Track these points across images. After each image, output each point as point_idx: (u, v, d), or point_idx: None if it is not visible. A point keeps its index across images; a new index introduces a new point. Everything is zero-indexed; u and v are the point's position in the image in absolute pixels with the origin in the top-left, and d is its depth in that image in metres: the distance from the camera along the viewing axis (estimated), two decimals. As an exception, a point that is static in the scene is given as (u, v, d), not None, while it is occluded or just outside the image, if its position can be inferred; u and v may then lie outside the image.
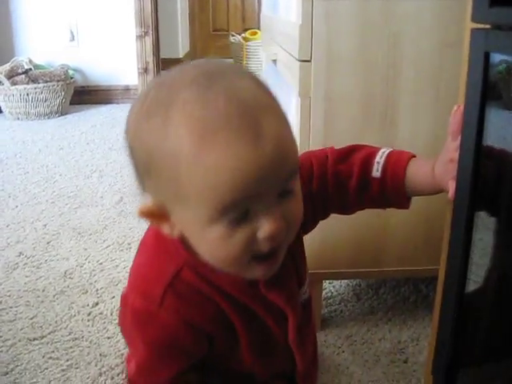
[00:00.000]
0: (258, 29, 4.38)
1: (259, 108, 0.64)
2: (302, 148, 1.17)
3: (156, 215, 0.71)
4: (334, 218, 1.21)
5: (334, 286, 1.51)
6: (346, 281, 1.54)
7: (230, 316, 0.80)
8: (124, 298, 0.83)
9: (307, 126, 1.16)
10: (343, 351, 1.27)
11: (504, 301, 0.72)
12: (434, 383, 0.84)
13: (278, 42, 1.50)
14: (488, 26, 0.63)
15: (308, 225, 0.87)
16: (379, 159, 0.86)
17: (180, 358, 0.83)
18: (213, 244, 0.68)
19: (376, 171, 0.85)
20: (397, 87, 1.15)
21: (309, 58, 1.12)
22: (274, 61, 1.56)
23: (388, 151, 0.87)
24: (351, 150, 0.89)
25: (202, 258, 0.73)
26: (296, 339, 0.89)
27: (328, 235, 1.24)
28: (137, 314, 0.80)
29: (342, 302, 1.45)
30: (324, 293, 1.44)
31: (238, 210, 0.64)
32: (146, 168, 0.68)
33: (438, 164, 0.81)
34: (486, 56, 0.61)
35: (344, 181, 0.87)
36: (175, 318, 0.77)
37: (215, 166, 0.61)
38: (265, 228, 0.66)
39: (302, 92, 1.14)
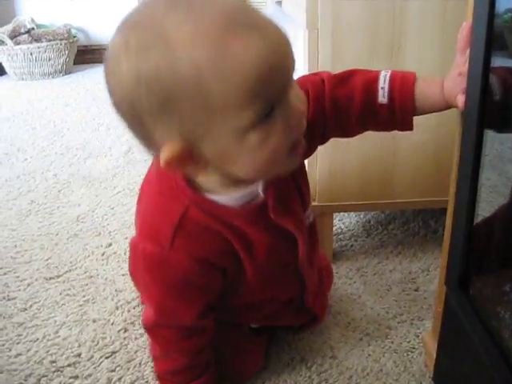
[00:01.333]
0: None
1: (249, 12, 0.66)
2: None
3: (181, 159, 0.68)
4: (342, 151, 1.23)
5: (343, 223, 1.53)
6: (355, 217, 1.55)
7: (237, 247, 0.82)
8: (134, 246, 0.84)
9: (315, 58, 1.16)
10: (355, 282, 1.29)
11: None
12: (447, 293, 0.85)
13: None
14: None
15: (306, 150, 0.83)
16: (383, 84, 0.84)
17: (197, 296, 0.85)
18: (255, 150, 0.68)
19: (382, 97, 0.84)
20: (403, 16, 1.15)
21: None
22: (279, 2, 1.56)
23: (389, 74, 0.85)
24: (349, 74, 0.87)
25: (207, 194, 0.78)
26: (305, 260, 0.91)
27: (336, 168, 1.25)
28: (149, 260, 0.81)
29: (352, 238, 1.46)
30: (334, 229, 1.45)
31: (265, 100, 0.65)
32: (162, 107, 0.64)
33: (447, 79, 0.81)
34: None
35: (344, 106, 0.86)
36: (187, 257, 0.79)
37: (237, 61, 0.61)
38: (295, 112, 0.69)
39: (309, 24, 1.14)
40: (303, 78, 0.90)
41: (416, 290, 1.26)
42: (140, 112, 0.66)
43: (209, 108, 0.64)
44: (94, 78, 3.57)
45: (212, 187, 0.78)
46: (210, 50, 0.61)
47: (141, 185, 0.90)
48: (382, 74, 0.86)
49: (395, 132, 1.20)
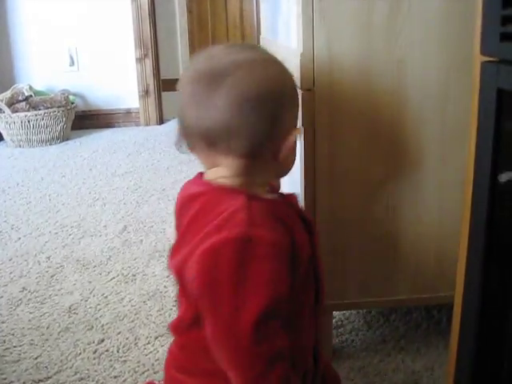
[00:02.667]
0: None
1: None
2: (307, 182, 1.15)
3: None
4: (342, 247, 1.20)
5: (343, 314, 1.48)
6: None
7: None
8: (210, 252, 0.74)
9: (312, 158, 1.14)
10: (356, 384, 1.24)
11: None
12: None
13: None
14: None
15: None
16: None
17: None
18: (293, 152, 0.82)
19: None
20: (404, 116, 1.13)
21: (311, 87, 1.10)
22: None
23: None
24: None
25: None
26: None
27: (336, 266, 1.21)
28: (236, 246, 0.73)
29: (352, 331, 1.41)
30: (334, 321, 1.41)
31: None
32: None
33: None
34: (499, 94, 0.58)
35: None
36: (271, 231, 0.74)
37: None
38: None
39: (305, 122, 1.11)
40: None
41: (420, 393, 1.21)
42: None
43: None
44: (91, 145, 3.57)
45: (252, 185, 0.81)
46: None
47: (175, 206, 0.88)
48: None
49: (394, 227, 1.19)
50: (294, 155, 0.85)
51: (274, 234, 0.74)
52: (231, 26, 6.45)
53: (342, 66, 1.10)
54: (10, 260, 1.93)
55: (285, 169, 0.85)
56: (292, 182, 1.43)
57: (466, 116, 1.12)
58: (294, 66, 1.18)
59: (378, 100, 1.12)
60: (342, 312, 1.49)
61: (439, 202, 1.18)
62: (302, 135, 1.13)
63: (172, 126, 3.71)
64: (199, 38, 6.45)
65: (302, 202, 1.18)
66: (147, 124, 4.08)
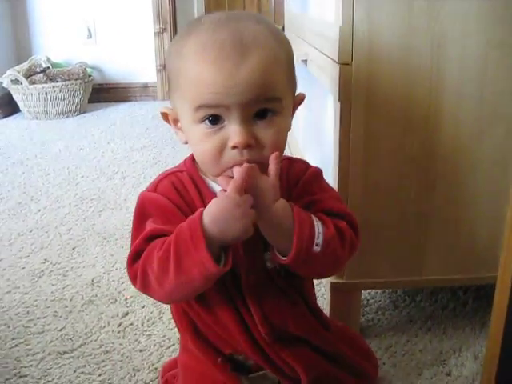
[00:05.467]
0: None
1: (253, 44, 0.79)
2: (342, 155, 1.13)
3: (171, 119, 0.90)
4: (372, 227, 1.18)
5: (369, 293, 1.46)
6: (381, 288, 1.49)
7: None
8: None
9: (347, 132, 1.11)
10: (384, 363, 1.22)
11: None
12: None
13: (310, 41, 1.45)
14: None
15: None
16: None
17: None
18: (195, 142, 0.84)
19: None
20: (440, 91, 1.10)
21: (349, 61, 1.07)
22: (304, 61, 1.51)
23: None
24: None
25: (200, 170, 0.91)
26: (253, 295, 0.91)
27: (366, 244, 1.19)
28: (138, 202, 0.91)
29: (379, 311, 1.40)
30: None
31: (210, 111, 0.80)
32: (168, 79, 0.89)
33: None
34: None
35: None
36: (165, 196, 0.88)
37: (200, 74, 0.79)
38: (231, 137, 0.79)
39: (342, 97, 1.09)
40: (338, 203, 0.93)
41: (448, 375, 1.19)
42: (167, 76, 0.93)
43: (180, 97, 0.85)
44: (108, 118, 3.55)
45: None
46: (190, 61, 0.82)
47: None
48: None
49: (428, 205, 1.17)
50: None
51: (160, 196, 0.89)
52: (248, 2, 6.39)
53: (381, 41, 1.07)
54: (31, 232, 1.92)
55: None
56: (322, 155, 1.42)
57: (504, 96, 1.11)
58: (329, 39, 1.16)
59: (415, 77, 1.09)
60: (367, 291, 1.47)
61: (474, 182, 1.16)
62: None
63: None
64: (216, 13, 6.39)
65: (335, 177, 1.16)
66: (164, 98, 4.05)
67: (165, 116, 0.91)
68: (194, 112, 0.81)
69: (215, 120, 0.81)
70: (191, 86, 0.81)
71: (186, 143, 0.89)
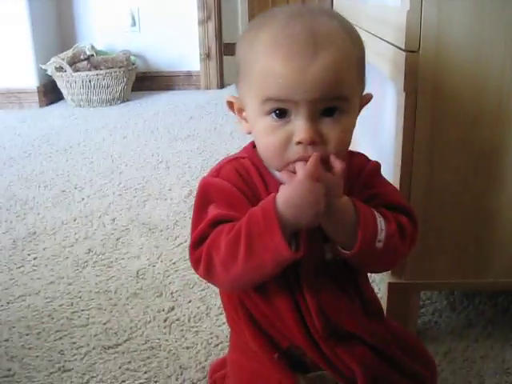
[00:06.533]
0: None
1: (326, 41, 0.77)
2: (405, 150, 1.06)
3: (237, 108, 0.88)
4: (436, 225, 1.11)
5: (424, 294, 1.40)
6: (438, 288, 1.42)
7: None
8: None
9: (411, 125, 1.05)
10: (443, 370, 1.16)
11: None
12: None
13: (368, 28, 1.38)
14: None
15: None
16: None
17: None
18: (260, 134, 0.83)
19: None
20: (510, 93, 1.03)
21: (416, 49, 1.01)
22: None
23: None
24: None
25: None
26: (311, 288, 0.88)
27: (429, 242, 1.12)
28: (200, 187, 0.87)
29: (435, 313, 1.33)
30: (415, 301, 1.33)
31: (277, 105, 0.78)
32: (238, 69, 0.86)
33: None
34: None
35: None
36: (228, 181, 0.86)
37: (271, 67, 0.77)
38: (297, 132, 0.78)
39: (407, 87, 1.02)
40: (390, 188, 0.93)
41: (513, 385, 1.12)
42: (236, 66, 0.88)
43: (249, 88, 0.83)
44: (152, 107, 3.53)
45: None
46: (263, 54, 0.80)
47: None
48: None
49: (498, 206, 1.10)
50: None
51: (224, 181, 0.86)
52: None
53: (450, 29, 0.99)
54: (75, 220, 1.89)
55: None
56: (379, 148, 1.35)
57: None
58: (393, 25, 1.09)
59: (486, 68, 1.02)
60: (423, 292, 1.40)
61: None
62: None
63: (233, 91, 3.62)
64: (259, 2, 6.33)
65: (397, 171, 1.10)
66: (208, 88, 4.02)
67: (230, 104, 0.90)
68: (262, 104, 0.80)
69: (282, 114, 0.79)
70: (261, 78, 0.79)
71: (249, 133, 0.87)
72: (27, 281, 1.52)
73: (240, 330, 0.94)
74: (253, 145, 0.90)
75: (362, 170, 0.91)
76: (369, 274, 0.99)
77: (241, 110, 0.88)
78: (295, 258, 0.78)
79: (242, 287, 0.89)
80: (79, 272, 1.56)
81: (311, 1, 5.51)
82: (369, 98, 0.89)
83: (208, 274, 0.83)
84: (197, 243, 0.83)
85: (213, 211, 0.84)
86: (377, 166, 0.94)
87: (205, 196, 0.87)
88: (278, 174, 0.86)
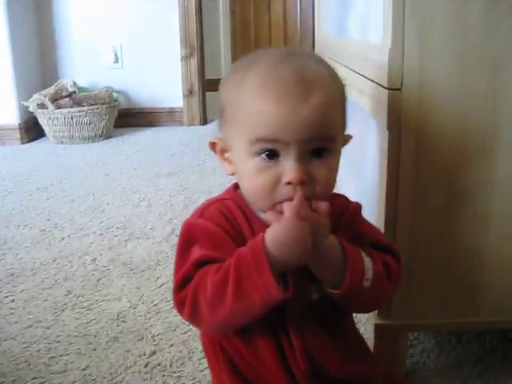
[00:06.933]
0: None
1: (315, 83, 0.80)
2: (389, 189, 1.04)
3: (219, 149, 0.89)
4: (423, 263, 1.09)
5: (412, 334, 1.37)
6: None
7: None
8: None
9: (395, 163, 1.03)
10: (433, 415, 1.13)
11: None
12: None
13: (349, 65, 1.37)
14: None
15: None
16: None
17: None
18: (247, 175, 0.83)
19: None
20: (497, 119, 1.02)
21: (399, 87, 0.99)
22: (342, 85, 1.44)
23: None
24: None
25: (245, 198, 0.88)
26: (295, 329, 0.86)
27: (414, 282, 1.10)
28: (183, 228, 0.88)
29: (424, 353, 1.30)
30: (403, 342, 1.30)
31: (267, 145, 0.79)
32: (221, 110, 0.87)
33: None
34: None
35: None
36: (213, 222, 0.86)
37: (262, 109, 0.78)
38: (287, 173, 0.79)
39: (390, 124, 1.01)
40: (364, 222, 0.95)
41: (504, 427, 1.09)
42: (219, 106, 0.90)
43: (235, 129, 0.84)
44: (134, 143, 3.51)
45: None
46: (251, 96, 0.81)
47: None
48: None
49: (483, 244, 1.08)
50: None
51: (208, 222, 0.87)
52: (274, 27, 6.36)
53: (433, 65, 0.99)
54: (54, 261, 1.85)
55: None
56: (363, 187, 1.33)
57: None
58: (375, 62, 1.08)
59: (470, 103, 1.01)
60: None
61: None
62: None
63: (215, 127, 3.62)
64: (242, 38, 6.37)
65: (380, 210, 1.08)
66: (191, 124, 4.01)
67: (212, 146, 0.91)
68: (251, 145, 0.81)
69: (272, 155, 0.81)
70: (251, 119, 0.80)
71: (232, 174, 0.88)
72: (3, 325, 1.47)
73: (219, 375, 0.92)
74: (235, 187, 0.92)
75: (344, 211, 0.93)
76: (354, 315, 0.97)
77: (223, 151, 0.89)
78: (284, 297, 0.78)
79: (228, 329, 0.88)
80: (58, 315, 1.51)
81: (294, 42, 5.56)
82: (349, 138, 0.90)
83: (193, 316, 0.82)
84: (181, 285, 0.82)
85: (197, 252, 0.83)
86: (358, 206, 0.95)
87: (188, 237, 0.87)
88: (262, 215, 0.86)
